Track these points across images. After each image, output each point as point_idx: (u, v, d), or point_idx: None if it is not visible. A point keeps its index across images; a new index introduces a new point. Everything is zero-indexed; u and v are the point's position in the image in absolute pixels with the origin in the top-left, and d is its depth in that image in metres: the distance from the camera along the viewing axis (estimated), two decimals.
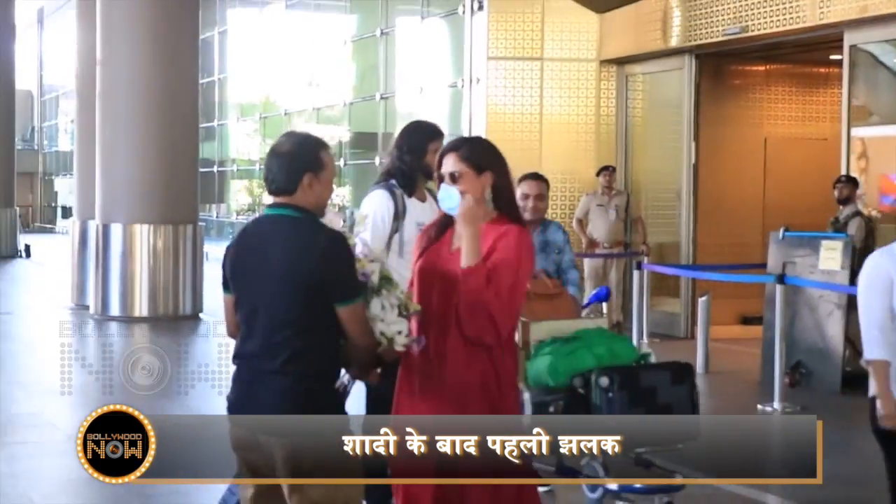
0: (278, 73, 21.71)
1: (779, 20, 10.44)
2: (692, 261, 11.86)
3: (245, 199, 25.17)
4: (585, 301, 7.46)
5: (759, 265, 10.20)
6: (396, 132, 18.57)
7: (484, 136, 4.27)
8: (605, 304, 8.06)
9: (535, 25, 12.45)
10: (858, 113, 10.53)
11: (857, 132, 10.35)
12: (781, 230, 9.34)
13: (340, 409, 3.45)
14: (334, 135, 19.07)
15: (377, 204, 5.24)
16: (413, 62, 16.97)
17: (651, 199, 12.95)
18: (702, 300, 10.10)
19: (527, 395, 5.77)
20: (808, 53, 12.40)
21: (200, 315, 13.05)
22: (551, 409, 5.71)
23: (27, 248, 23.08)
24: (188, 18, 13.62)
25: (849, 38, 10.19)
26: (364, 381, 3.68)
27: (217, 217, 24.82)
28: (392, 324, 3.45)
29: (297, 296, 3.29)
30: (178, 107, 13.19)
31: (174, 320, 12.66)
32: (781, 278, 8.53)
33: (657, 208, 12.91)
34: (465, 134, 12.05)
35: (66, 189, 32.90)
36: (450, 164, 3.76)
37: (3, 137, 23.53)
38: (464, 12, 13.20)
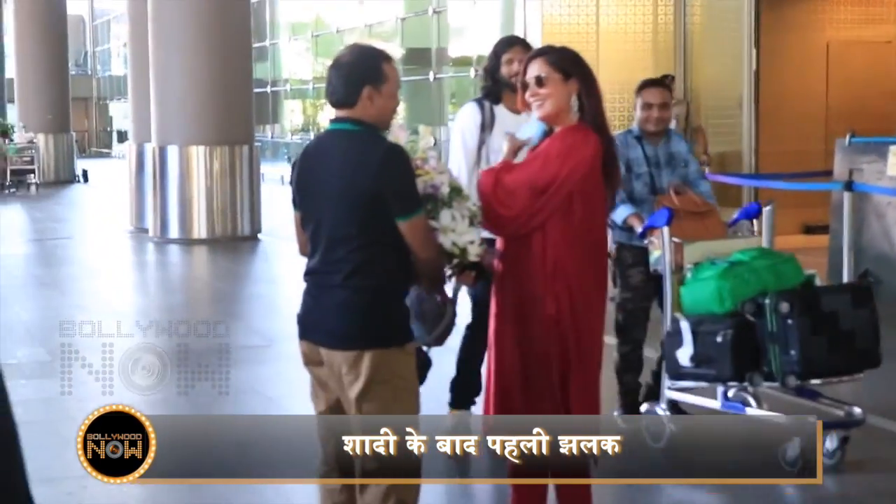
0: None
1: None
2: (754, 170, 11.59)
3: (299, 118, 25.12)
4: (733, 218, 6.71)
5: (823, 173, 9.94)
6: (449, 47, 18.28)
7: None
8: (754, 222, 6.95)
9: None
10: None
11: None
12: (848, 136, 9.05)
13: (406, 324, 3.39)
14: (387, 51, 18.52)
15: (463, 117, 5.28)
16: None
17: (711, 109, 12.58)
18: (766, 210, 9.85)
19: (685, 324, 5.45)
20: None
21: (259, 235, 13.00)
22: (719, 338, 5.37)
23: (84, 172, 23.16)
24: None
25: None
26: (442, 289, 3.58)
27: (272, 138, 24.75)
28: (463, 234, 3.39)
29: (354, 210, 3.24)
30: (229, 27, 12.99)
31: (233, 241, 12.64)
32: (849, 185, 8.26)
33: (718, 117, 12.54)
34: None
35: (120, 114, 32.99)
36: (536, 67, 3.71)
37: (57, 63, 23.52)
38: None
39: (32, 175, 19.84)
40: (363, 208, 3.22)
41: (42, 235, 14.02)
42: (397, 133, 3.40)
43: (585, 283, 3.71)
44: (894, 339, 5.34)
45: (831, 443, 5.33)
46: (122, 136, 31.07)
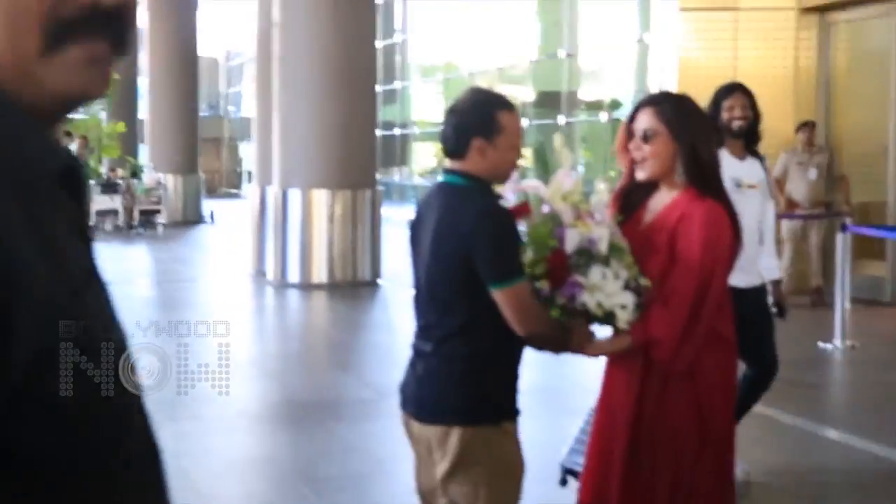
0: (461, 32, 21.88)
1: None
2: None
3: (427, 161, 25.47)
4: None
5: None
6: (580, 90, 18.11)
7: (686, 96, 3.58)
8: None
9: None
10: None
11: None
12: None
13: (505, 400, 3.18)
14: (518, 94, 19.09)
15: None
16: (598, 17, 16.87)
17: (855, 156, 12.17)
18: None
19: None
20: None
21: (379, 281, 12.98)
22: None
23: (212, 213, 23.79)
24: None
25: None
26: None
27: (399, 180, 25.02)
28: (613, 295, 3.12)
29: (447, 273, 3.11)
30: (354, 70, 13.12)
31: (353, 286, 12.61)
32: None
33: (861, 165, 12.14)
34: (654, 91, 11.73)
35: (250, 154, 34.01)
36: (645, 120, 3.36)
37: (187, 105, 24.24)
38: None
39: (160, 215, 20.37)
40: (456, 270, 3.08)
41: (164, 277, 14.35)
42: (507, 190, 3.22)
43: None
44: None
45: None
46: (252, 177, 31.94)
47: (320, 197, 12.83)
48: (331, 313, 11.83)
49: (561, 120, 17.42)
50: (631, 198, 3.45)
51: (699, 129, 3.42)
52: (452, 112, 3.20)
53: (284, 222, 13.01)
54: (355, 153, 13.03)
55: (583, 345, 3.22)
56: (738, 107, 5.25)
